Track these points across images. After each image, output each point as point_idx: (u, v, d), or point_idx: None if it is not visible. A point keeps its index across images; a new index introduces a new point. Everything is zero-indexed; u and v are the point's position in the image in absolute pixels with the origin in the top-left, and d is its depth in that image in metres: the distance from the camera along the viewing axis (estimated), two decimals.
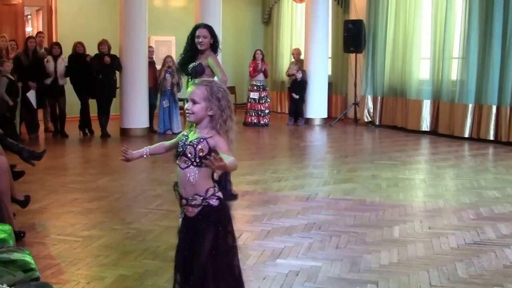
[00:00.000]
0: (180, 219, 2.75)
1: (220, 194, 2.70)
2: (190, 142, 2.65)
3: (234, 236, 2.74)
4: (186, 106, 2.69)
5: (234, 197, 5.62)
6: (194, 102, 2.63)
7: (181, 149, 2.67)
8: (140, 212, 5.25)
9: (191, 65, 5.42)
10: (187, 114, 2.67)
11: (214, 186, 2.69)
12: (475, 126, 9.43)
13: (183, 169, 2.65)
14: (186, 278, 2.69)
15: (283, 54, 14.45)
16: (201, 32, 5.45)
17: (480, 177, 6.75)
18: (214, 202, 2.66)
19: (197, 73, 5.37)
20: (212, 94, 2.63)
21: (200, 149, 2.61)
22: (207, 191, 2.65)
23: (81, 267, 3.84)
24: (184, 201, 2.69)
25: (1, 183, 4.29)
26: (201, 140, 2.62)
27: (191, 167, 2.63)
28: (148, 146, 2.92)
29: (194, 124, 2.69)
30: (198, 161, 2.61)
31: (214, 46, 5.53)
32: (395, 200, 5.71)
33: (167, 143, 2.88)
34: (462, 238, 4.48)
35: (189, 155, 2.62)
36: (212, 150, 2.60)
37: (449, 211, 5.31)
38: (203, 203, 2.65)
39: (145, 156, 2.88)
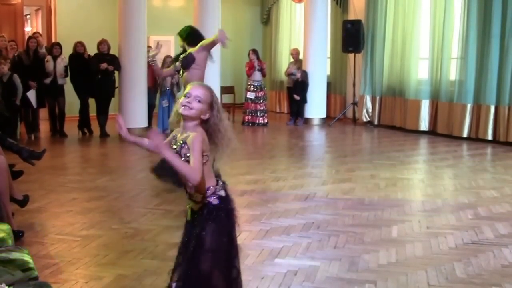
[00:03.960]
0: (188, 210, 2.75)
1: (222, 192, 2.67)
2: (175, 148, 2.59)
3: (234, 236, 2.75)
4: (184, 100, 2.56)
5: None
6: (199, 101, 2.55)
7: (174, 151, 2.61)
8: (138, 211, 5.25)
9: (181, 56, 5.92)
10: (183, 107, 2.54)
11: (216, 184, 2.66)
12: (474, 126, 9.44)
13: None
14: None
15: (282, 54, 14.45)
16: (178, 39, 6.20)
17: (479, 177, 6.76)
18: (214, 200, 2.65)
19: (189, 62, 5.83)
20: (214, 101, 2.61)
21: (185, 153, 2.55)
22: (207, 189, 2.63)
23: (80, 267, 3.84)
24: (187, 195, 2.70)
25: (0, 182, 4.30)
26: (183, 145, 2.56)
27: None
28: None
29: (182, 122, 2.60)
30: None
31: (194, 40, 6.02)
32: (394, 199, 5.72)
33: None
34: (460, 238, 4.48)
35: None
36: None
37: (447, 210, 5.31)
38: (203, 201, 2.65)
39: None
